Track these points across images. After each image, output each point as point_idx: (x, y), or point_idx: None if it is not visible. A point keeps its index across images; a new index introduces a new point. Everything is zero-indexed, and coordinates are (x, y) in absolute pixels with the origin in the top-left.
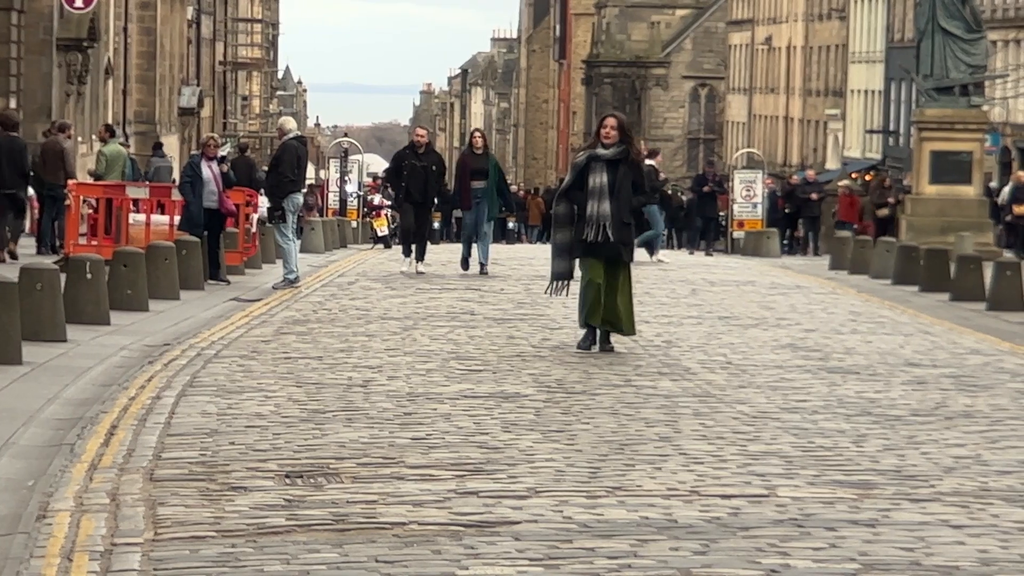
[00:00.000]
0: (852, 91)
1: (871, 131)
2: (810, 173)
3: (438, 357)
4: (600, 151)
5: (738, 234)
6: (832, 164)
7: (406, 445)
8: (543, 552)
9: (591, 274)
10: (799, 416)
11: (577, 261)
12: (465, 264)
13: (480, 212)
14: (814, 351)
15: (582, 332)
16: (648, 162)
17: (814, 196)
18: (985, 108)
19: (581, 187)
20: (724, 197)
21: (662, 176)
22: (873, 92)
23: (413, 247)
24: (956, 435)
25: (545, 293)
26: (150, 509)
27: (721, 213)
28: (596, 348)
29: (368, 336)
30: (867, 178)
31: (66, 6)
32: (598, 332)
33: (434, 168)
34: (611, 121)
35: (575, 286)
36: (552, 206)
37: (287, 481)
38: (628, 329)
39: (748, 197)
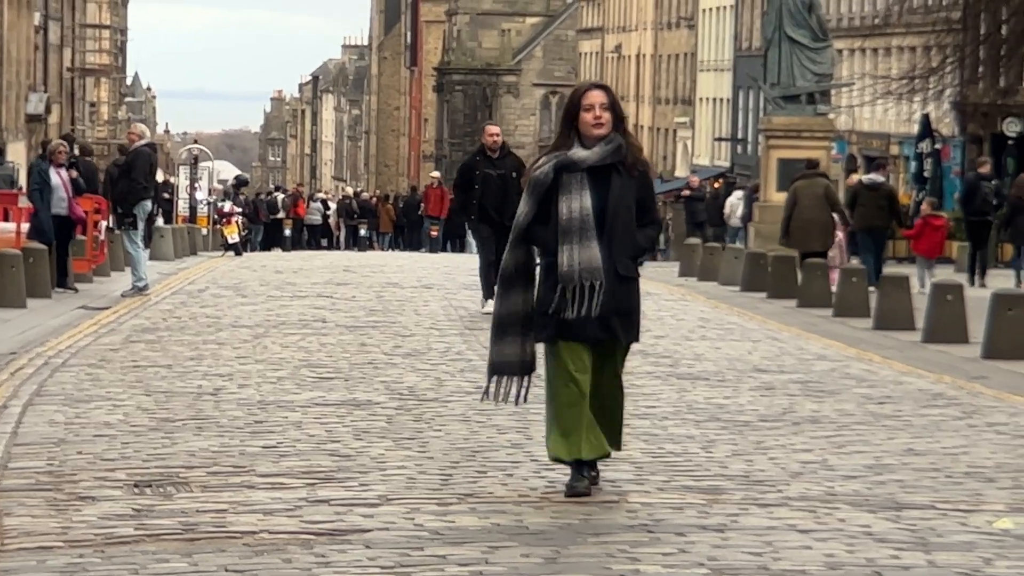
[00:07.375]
0: (701, 99)
1: (720, 139)
2: (693, 180)
3: (289, 365)
4: (578, 153)
5: None
6: (681, 172)
7: (257, 453)
8: (394, 560)
9: (573, 369)
10: (648, 422)
11: (537, 345)
12: None
13: None
14: (664, 357)
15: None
16: None
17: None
18: (831, 116)
19: (546, 219)
20: None
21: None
22: (721, 100)
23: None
24: (803, 440)
25: (482, 400)
26: None
27: None
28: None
29: (219, 344)
30: (715, 185)
31: None
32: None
33: (514, 175)
34: (598, 97)
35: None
36: (503, 254)
37: (136, 490)
38: (615, 443)
39: None
